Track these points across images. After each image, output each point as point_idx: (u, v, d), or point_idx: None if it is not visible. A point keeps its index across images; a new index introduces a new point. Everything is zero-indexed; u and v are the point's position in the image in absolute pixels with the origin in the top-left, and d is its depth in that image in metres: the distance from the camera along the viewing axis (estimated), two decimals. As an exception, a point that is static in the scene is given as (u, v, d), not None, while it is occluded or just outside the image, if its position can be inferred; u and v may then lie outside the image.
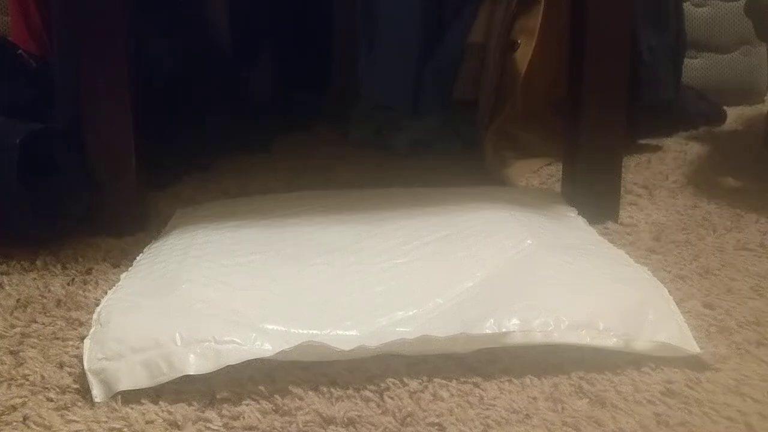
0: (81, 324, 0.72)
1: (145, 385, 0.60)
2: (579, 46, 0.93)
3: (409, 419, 0.57)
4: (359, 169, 1.23)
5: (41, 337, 0.70)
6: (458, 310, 0.69)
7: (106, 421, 0.57)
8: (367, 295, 0.73)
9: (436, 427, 0.56)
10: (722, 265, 0.83)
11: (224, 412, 0.58)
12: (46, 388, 0.62)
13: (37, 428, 0.57)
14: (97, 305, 0.73)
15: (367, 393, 0.60)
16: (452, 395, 0.60)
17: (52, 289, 0.79)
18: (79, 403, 0.60)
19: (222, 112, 1.26)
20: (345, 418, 0.57)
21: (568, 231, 0.88)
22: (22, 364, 0.65)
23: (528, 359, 0.64)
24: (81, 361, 0.64)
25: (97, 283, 0.81)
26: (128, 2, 0.91)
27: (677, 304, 0.70)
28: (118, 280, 0.79)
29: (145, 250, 0.87)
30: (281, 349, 0.61)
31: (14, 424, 0.57)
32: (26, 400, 0.60)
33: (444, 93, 1.32)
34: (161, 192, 1.09)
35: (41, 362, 0.65)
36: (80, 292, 0.79)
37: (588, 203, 0.95)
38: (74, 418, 0.58)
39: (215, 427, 0.57)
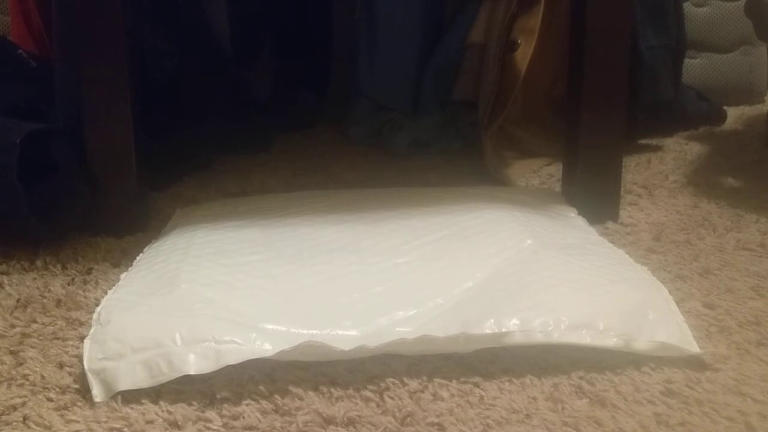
0: (81, 324, 0.72)
1: (145, 385, 0.60)
2: (579, 46, 0.93)
3: (409, 419, 0.57)
4: (359, 169, 1.23)
5: (41, 337, 0.70)
6: (458, 310, 0.69)
7: (106, 421, 0.57)
8: (367, 295, 0.73)
9: (436, 427, 0.56)
10: (722, 265, 0.83)
11: (224, 412, 0.58)
12: (46, 388, 0.62)
13: (37, 428, 0.57)
14: (97, 305, 0.73)
15: (367, 393, 0.60)
16: (452, 395, 0.60)
17: (52, 289, 0.79)
18: (79, 403, 0.60)
19: (222, 112, 1.26)
20: (345, 418, 0.57)
21: (568, 231, 0.88)
22: (22, 364, 0.65)
23: (528, 359, 0.64)
24: (81, 361, 0.64)
25: (97, 283, 0.81)
26: (128, 2, 0.91)
27: (677, 304, 0.70)
28: (118, 280, 0.79)
29: (145, 250, 0.87)
30: (281, 349, 0.61)
31: (14, 424, 0.57)
32: (26, 400, 0.60)
33: (444, 93, 1.32)
34: (161, 192, 1.09)
35: (41, 362, 0.65)
36: (80, 292, 0.79)
37: (588, 203, 0.95)
38: (74, 418, 0.58)
39: (215, 427, 0.57)
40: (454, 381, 0.62)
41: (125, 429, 0.57)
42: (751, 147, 1.31)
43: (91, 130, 0.91)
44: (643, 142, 1.32)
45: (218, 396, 0.60)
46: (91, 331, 0.68)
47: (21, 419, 0.58)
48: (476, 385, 0.61)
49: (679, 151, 1.30)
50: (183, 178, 1.16)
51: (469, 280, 0.74)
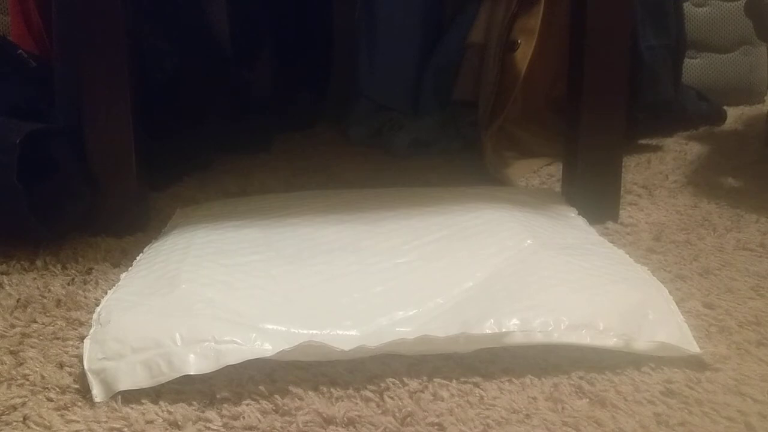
0: (81, 324, 0.72)
1: (145, 385, 0.60)
2: (579, 46, 0.93)
3: (409, 419, 0.57)
4: (359, 169, 1.23)
5: (41, 337, 0.70)
6: (458, 309, 0.69)
7: (106, 421, 0.57)
8: (367, 295, 0.73)
9: (436, 427, 0.56)
10: (722, 265, 0.83)
11: (224, 412, 0.58)
12: (46, 388, 0.62)
13: (37, 428, 0.57)
14: (97, 305, 0.73)
15: (367, 393, 0.60)
16: (452, 395, 0.60)
17: (52, 289, 0.79)
18: (79, 403, 0.60)
19: (222, 112, 1.26)
20: (345, 418, 0.57)
21: (568, 231, 0.88)
22: (22, 364, 0.65)
23: (528, 359, 0.64)
24: (81, 361, 0.64)
25: (97, 283, 0.81)
26: (128, 2, 0.91)
27: (677, 304, 0.70)
28: (118, 280, 0.79)
29: (145, 249, 0.87)
30: (281, 349, 0.61)
31: (14, 424, 0.57)
32: (26, 400, 0.60)
33: (444, 93, 1.32)
34: (161, 192, 1.09)
35: (41, 362, 0.65)
36: (80, 292, 0.79)
37: (588, 203, 0.95)
38: (74, 418, 0.58)
39: (215, 427, 0.57)
40: (454, 381, 0.62)
41: (125, 429, 0.57)
42: (751, 147, 1.31)
43: (91, 130, 0.91)
44: (643, 142, 1.32)
45: (218, 396, 0.60)
46: (91, 331, 0.68)
47: (21, 419, 0.58)
48: (476, 385, 0.61)
49: (679, 151, 1.30)
50: (183, 178, 1.16)
51: (469, 280, 0.74)
